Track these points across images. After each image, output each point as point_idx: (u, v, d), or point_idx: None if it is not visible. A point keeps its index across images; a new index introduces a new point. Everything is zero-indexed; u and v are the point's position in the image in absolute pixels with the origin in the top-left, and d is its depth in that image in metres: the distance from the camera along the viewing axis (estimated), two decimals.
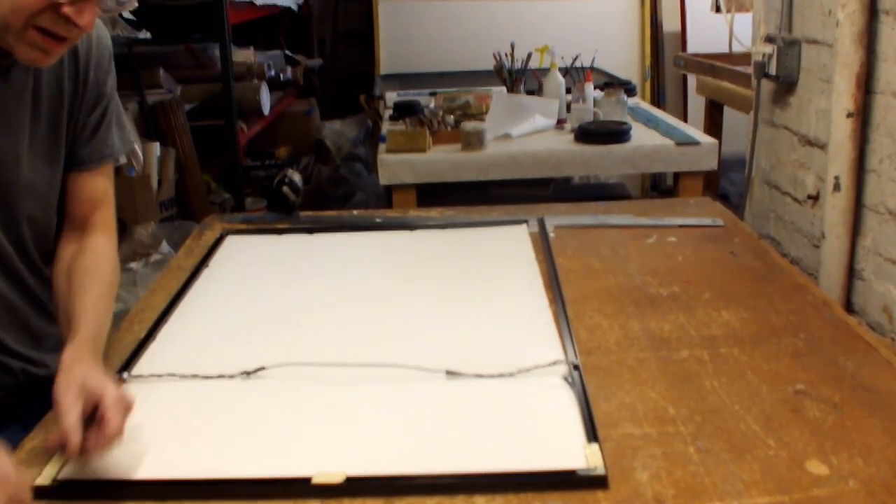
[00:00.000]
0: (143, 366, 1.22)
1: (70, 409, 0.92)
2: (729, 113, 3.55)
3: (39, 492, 0.93)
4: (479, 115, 2.89)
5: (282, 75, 4.67)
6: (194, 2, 3.43)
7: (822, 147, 1.98)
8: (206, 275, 1.59)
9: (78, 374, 0.97)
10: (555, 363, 1.18)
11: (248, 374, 1.18)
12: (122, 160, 2.83)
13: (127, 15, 2.87)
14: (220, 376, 1.17)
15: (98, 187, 1.29)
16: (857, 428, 1.02)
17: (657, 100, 4.61)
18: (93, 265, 1.21)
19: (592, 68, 3.01)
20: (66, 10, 0.99)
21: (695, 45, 4.49)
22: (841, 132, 1.83)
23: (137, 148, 3.02)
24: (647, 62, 4.59)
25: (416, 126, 2.75)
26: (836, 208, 1.86)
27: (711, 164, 2.62)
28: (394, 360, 1.19)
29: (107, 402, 0.93)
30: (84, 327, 1.09)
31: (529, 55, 3.05)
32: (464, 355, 1.22)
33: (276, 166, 4.45)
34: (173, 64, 3.80)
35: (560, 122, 2.88)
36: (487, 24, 4.41)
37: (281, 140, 4.71)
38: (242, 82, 3.96)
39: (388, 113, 3.17)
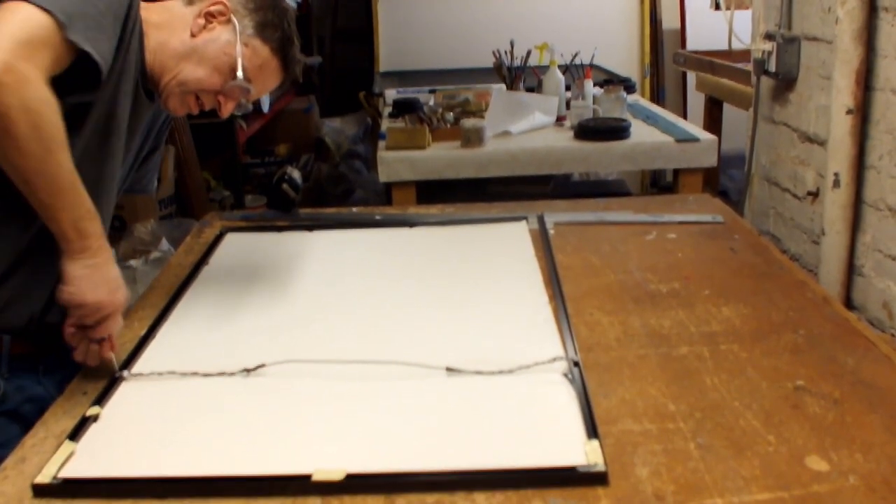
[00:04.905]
0: (143, 364, 1.22)
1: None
2: (728, 110, 3.54)
3: (39, 490, 0.93)
4: (479, 113, 2.89)
5: None
6: None
7: (822, 143, 1.98)
8: (205, 272, 1.59)
9: None
10: (555, 360, 1.18)
11: (248, 371, 1.18)
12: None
13: None
14: (221, 374, 1.17)
15: None
16: (857, 424, 1.02)
17: (657, 97, 4.60)
18: None
19: (592, 65, 3.01)
20: (220, 97, 1.32)
21: (694, 42, 4.48)
22: (840, 129, 1.83)
23: None
24: (647, 59, 4.59)
25: (415, 123, 2.75)
26: (835, 205, 1.86)
27: (711, 160, 2.62)
28: (394, 357, 1.19)
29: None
30: None
31: (529, 52, 3.05)
32: (464, 352, 1.22)
33: (275, 164, 4.44)
34: None
35: (559, 119, 2.88)
36: (487, 21, 4.41)
37: (280, 137, 4.70)
38: None
39: (387, 110, 3.17)
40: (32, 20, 1.07)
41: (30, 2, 1.07)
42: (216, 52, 1.28)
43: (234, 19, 1.29)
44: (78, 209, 1.11)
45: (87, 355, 1.18)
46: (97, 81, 1.14)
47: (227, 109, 1.33)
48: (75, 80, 1.13)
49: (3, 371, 1.22)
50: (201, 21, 1.29)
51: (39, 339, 1.26)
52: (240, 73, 1.29)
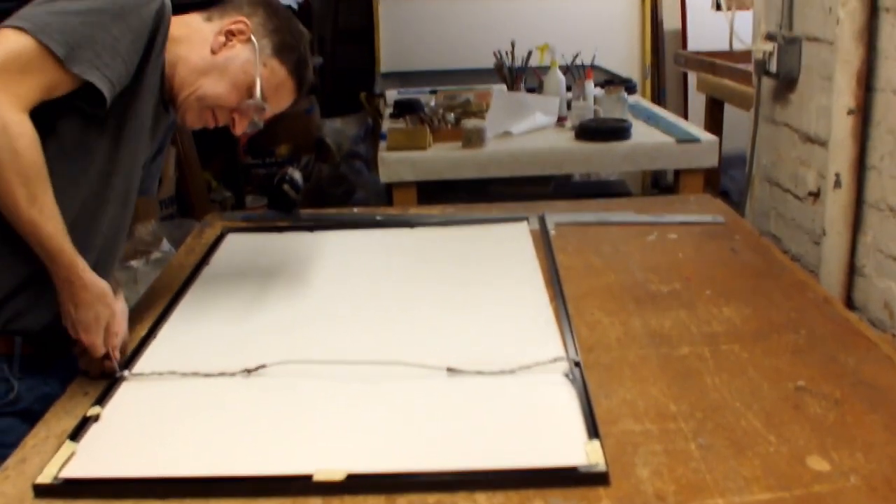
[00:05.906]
0: (144, 364, 1.23)
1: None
2: (729, 110, 3.54)
3: (40, 490, 0.93)
4: (480, 113, 2.89)
5: None
6: (196, 0, 3.42)
7: (823, 144, 1.98)
8: (206, 273, 1.60)
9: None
10: (556, 360, 1.18)
11: (248, 371, 1.18)
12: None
13: None
14: (222, 374, 1.18)
15: None
16: (858, 424, 1.02)
17: (657, 97, 4.60)
18: None
19: (593, 66, 3.01)
20: (235, 114, 1.33)
21: (695, 42, 4.48)
22: (841, 129, 1.83)
23: None
24: (648, 60, 4.59)
25: (416, 124, 2.75)
26: (836, 205, 1.86)
27: (712, 161, 2.62)
28: (395, 357, 1.19)
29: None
30: None
31: (530, 53, 3.05)
32: (465, 353, 1.22)
33: (276, 164, 4.44)
34: None
35: (560, 120, 2.87)
36: (488, 22, 4.41)
37: (281, 138, 4.70)
38: None
39: (388, 111, 3.16)
40: (14, 48, 1.08)
41: (27, 31, 1.09)
42: (236, 70, 1.30)
43: (254, 39, 1.31)
44: (44, 246, 1.12)
45: (91, 366, 1.20)
46: (103, 102, 1.15)
47: (241, 126, 1.35)
48: (84, 96, 1.15)
49: (16, 372, 1.22)
50: (222, 38, 1.31)
51: (47, 341, 1.26)
52: (258, 92, 1.31)
